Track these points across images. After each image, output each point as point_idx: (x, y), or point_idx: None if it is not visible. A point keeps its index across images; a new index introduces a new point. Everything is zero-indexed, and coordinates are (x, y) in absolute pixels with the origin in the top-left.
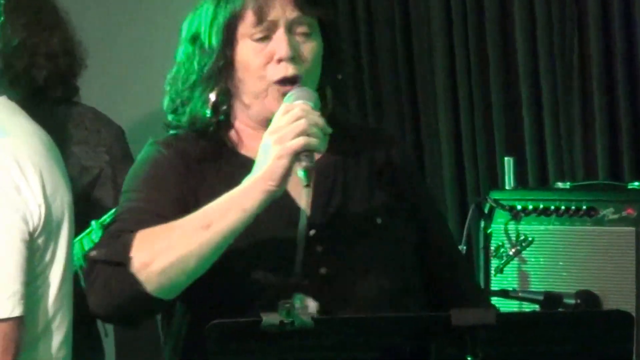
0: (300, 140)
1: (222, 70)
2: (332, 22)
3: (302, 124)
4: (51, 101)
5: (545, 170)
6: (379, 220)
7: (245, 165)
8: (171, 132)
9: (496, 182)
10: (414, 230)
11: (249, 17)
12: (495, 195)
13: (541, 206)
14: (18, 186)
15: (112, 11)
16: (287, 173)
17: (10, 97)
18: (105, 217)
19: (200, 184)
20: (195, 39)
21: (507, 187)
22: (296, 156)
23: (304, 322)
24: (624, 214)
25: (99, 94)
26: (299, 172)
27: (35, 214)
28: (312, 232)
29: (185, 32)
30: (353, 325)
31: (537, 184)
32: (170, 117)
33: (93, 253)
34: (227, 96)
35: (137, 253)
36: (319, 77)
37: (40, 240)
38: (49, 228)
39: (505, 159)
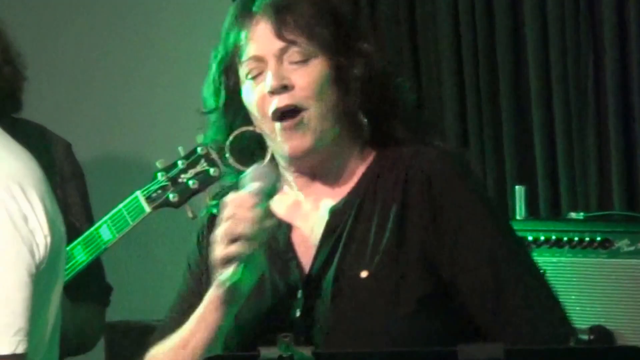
0: (229, 250)
1: (237, 110)
2: (334, 40)
3: (230, 227)
4: None
5: (557, 200)
6: (363, 274)
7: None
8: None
9: (507, 212)
10: (426, 276)
11: (240, 55)
12: None
13: (553, 237)
14: (25, 215)
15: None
16: (238, 278)
17: None
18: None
19: None
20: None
21: (518, 217)
22: (229, 263)
23: (304, 356)
24: (639, 245)
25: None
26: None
27: (42, 246)
28: (299, 294)
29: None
30: None
31: (549, 214)
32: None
33: None
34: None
35: None
36: (336, 102)
37: (43, 274)
38: (50, 260)
39: (517, 187)
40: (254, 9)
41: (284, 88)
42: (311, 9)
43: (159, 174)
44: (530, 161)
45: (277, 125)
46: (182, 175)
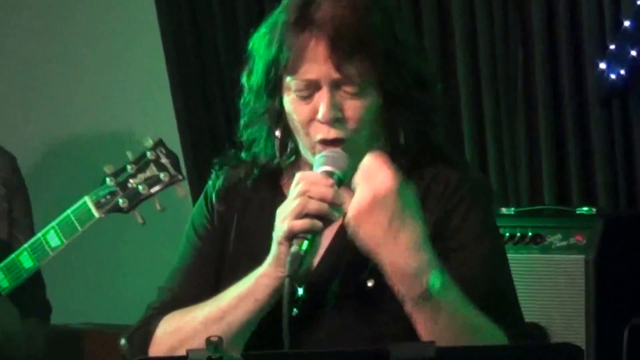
0: (297, 224)
1: (273, 113)
2: (388, 77)
3: (301, 202)
4: None
5: None
6: (369, 283)
7: None
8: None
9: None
10: None
11: (290, 68)
12: None
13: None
14: None
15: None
16: (302, 255)
17: None
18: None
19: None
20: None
21: None
22: (294, 239)
23: (232, 357)
24: (572, 240)
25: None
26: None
27: None
28: (300, 292)
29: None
30: None
31: None
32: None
33: (123, 342)
34: (291, 136)
35: (157, 347)
36: (378, 134)
37: None
38: None
39: None
40: (313, 23)
41: (337, 120)
42: (369, 34)
43: (108, 179)
44: (459, 156)
45: (320, 147)
46: (132, 180)
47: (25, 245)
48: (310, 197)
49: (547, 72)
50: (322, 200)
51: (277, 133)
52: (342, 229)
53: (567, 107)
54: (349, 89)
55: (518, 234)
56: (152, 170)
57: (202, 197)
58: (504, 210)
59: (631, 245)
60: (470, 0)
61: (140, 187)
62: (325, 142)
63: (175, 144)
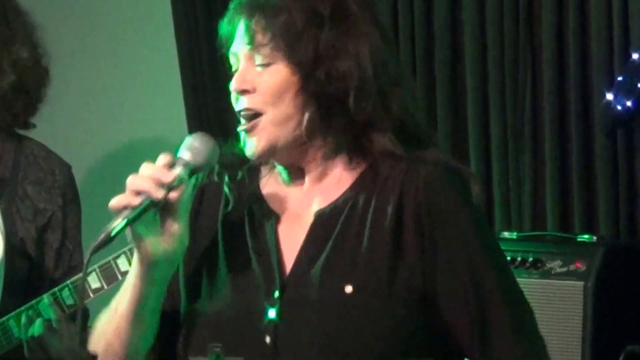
0: (113, 200)
1: None
2: (299, 44)
3: (128, 179)
4: None
5: (491, 219)
6: (347, 289)
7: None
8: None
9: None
10: (413, 292)
11: (227, 48)
12: None
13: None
14: None
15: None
16: (134, 233)
17: None
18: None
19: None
20: None
21: None
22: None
23: None
24: (572, 267)
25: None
26: None
27: None
28: (276, 294)
29: None
30: None
31: None
32: None
33: None
34: None
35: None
36: (298, 109)
37: None
38: None
39: None
40: (239, 5)
41: (246, 91)
42: (284, 12)
43: None
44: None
45: (239, 126)
46: None
47: (67, 282)
48: (139, 174)
49: (555, 100)
50: (149, 177)
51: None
52: (315, 228)
53: (573, 136)
54: (259, 60)
55: (519, 258)
56: None
57: None
58: (506, 234)
59: (630, 274)
60: (482, 26)
61: None
62: (245, 116)
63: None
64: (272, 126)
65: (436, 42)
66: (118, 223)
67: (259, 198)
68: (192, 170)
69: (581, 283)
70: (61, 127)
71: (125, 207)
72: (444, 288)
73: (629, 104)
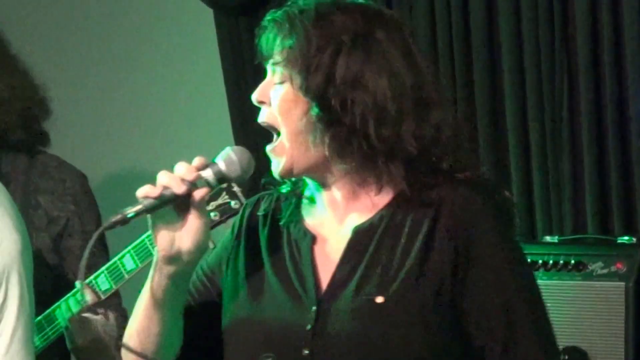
0: (142, 189)
1: None
2: (306, 75)
3: (159, 174)
4: (10, 148)
5: (533, 224)
6: (378, 300)
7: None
8: None
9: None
10: (443, 306)
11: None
12: None
13: (529, 260)
14: None
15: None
16: (152, 223)
17: None
18: (91, 277)
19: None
20: None
21: None
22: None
23: None
24: (613, 268)
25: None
26: None
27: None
28: (313, 308)
29: None
30: None
31: (524, 237)
32: None
33: None
34: None
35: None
36: (309, 128)
37: None
38: None
39: None
40: (269, 19)
41: (261, 102)
42: (301, 35)
43: None
44: (507, 186)
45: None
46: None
47: (103, 269)
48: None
49: (591, 105)
50: (176, 173)
51: None
52: (352, 244)
53: (610, 139)
54: (276, 77)
55: (561, 262)
56: (223, 198)
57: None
58: (548, 238)
59: None
60: (518, 35)
61: (212, 214)
62: (267, 128)
63: None
64: (288, 143)
65: (473, 52)
66: (136, 209)
67: (296, 214)
68: (220, 179)
69: (622, 284)
70: (112, 142)
71: (146, 197)
72: (473, 306)
73: None
